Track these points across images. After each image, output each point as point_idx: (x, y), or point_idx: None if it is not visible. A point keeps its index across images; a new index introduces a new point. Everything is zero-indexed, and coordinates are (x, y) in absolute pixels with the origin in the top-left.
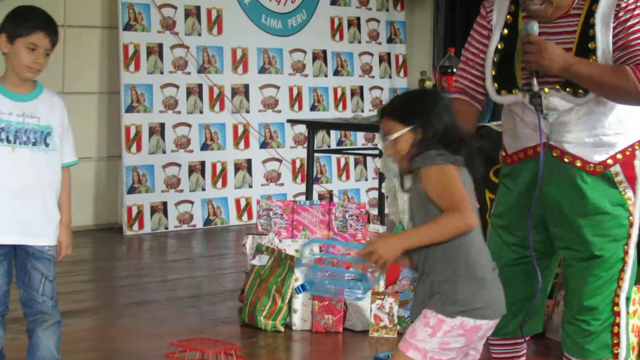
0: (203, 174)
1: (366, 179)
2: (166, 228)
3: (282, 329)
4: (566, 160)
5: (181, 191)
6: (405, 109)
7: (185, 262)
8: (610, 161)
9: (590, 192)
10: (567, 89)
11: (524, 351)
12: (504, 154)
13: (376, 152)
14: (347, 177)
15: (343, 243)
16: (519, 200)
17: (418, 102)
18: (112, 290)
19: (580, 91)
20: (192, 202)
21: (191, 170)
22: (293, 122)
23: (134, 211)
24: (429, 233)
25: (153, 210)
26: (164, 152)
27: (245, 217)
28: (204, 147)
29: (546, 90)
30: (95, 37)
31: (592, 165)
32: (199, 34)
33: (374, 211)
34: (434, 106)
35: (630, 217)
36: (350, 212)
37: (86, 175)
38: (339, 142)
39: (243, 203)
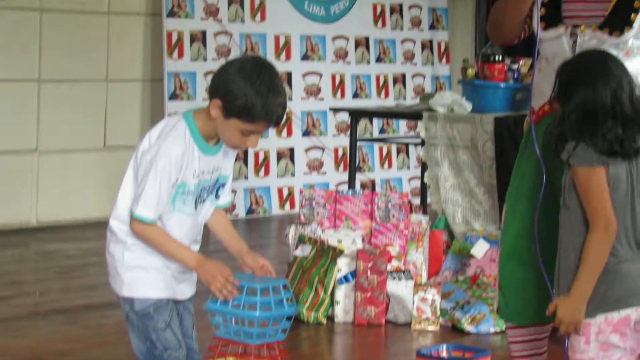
0: (246, 162)
1: (408, 168)
2: None
3: (325, 321)
4: None
5: None
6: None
7: (227, 252)
8: None
9: None
10: (604, 29)
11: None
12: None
13: (418, 140)
14: (390, 166)
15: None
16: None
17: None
18: None
19: (616, 31)
20: (234, 192)
21: None
22: (336, 110)
23: None
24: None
25: None
26: None
27: (287, 206)
28: None
29: (582, 27)
30: (139, 24)
31: None
32: (242, 21)
33: (417, 200)
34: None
35: None
36: (393, 201)
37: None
38: (382, 130)
39: (285, 192)
